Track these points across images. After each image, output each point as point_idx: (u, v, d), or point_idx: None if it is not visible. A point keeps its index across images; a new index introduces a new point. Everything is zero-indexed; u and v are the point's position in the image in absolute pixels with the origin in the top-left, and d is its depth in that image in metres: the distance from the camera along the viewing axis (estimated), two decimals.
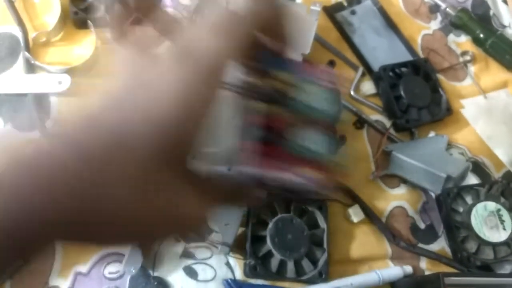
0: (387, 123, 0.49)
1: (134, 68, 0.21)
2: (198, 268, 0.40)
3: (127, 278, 0.39)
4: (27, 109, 0.42)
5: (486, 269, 0.41)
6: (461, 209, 0.43)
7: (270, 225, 0.40)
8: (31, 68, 0.44)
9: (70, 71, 0.44)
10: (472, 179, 0.45)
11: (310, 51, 0.44)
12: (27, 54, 0.43)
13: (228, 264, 0.40)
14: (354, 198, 0.44)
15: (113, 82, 0.20)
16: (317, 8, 0.46)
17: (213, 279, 0.39)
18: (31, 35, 0.45)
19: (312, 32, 0.45)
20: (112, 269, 0.39)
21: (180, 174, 0.21)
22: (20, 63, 0.44)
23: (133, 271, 0.38)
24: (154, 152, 0.19)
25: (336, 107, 0.26)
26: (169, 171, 0.20)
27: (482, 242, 0.41)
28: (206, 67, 0.20)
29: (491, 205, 0.41)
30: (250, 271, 0.39)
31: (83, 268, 0.39)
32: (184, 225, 0.22)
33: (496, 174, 0.47)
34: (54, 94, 0.43)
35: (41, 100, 0.43)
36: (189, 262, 0.40)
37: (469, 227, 0.41)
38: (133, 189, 0.19)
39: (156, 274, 0.39)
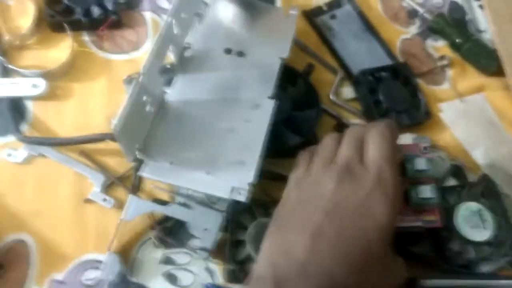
0: None
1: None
2: (177, 273, 0.39)
3: (106, 285, 0.38)
4: (2, 113, 0.42)
5: (469, 268, 0.42)
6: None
7: (249, 229, 0.40)
8: (5, 71, 0.43)
9: (46, 74, 0.43)
10: (451, 182, 0.46)
11: (289, 55, 0.44)
12: (0, 57, 0.42)
13: (208, 269, 0.40)
14: None
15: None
16: (295, 12, 0.46)
17: (192, 284, 0.39)
18: (5, 38, 0.44)
19: (291, 36, 0.45)
20: (90, 275, 0.38)
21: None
22: None
23: (112, 277, 0.38)
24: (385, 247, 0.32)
25: (431, 166, 0.41)
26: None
27: (465, 242, 0.41)
28: (396, 194, 0.33)
29: (473, 205, 0.42)
30: (230, 276, 0.38)
31: (59, 275, 0.38)
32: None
33: (474, 177, 0.47)
34: (29, 98, 0.43)
35: (16, 104, 0.42)
36: (168, 267, 0.40)
37: (452, 226, 0.42)
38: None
39: (135, 280, 0.39)
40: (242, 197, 0.35)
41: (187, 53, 0.42)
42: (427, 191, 0.39)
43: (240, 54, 0.43)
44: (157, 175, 0.36)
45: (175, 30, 0.40)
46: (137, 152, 0.36)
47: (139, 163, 0.38)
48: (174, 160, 0.37)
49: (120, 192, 0.41)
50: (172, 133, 0.38)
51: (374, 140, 0.35)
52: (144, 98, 0.36)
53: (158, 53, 0.37)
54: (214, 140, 0.39)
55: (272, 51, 0.44)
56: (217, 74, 0.42)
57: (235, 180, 0.36)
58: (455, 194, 0.43)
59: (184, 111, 0.39)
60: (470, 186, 0.43)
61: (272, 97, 0.41)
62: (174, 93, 0.40)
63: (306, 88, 0.46)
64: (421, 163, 0.40)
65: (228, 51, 0.43)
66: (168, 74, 0.41)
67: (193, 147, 0.38)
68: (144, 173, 0.36)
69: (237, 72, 0.42)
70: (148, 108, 0.37)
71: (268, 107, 0.40)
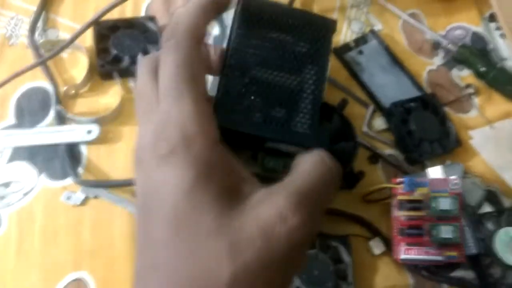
0: (400, 156, 0.51)
1: None
2: None
3: None
4: (59, 158, 0.45)
5: None
6: (483, 236, 0.44)
7: None
8: (62, 119, 0.46)
9: (99, 120, 0.46)
10: (486, 207, 0.47)
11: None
12: (58, 107, 0.46)
13: None
14: (374, 231, 0.46)
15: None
16: None
17: None
18: (62, 88, 0.47)
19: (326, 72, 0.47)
20: None
21: None
22: (51, 115, 0.47)
23: None
24: None
25: (457, 206, 0.42)
26: None
27: (506, 267, 0.42)
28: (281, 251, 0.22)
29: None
30: None
31: None
32: None
33: (509, 201, 0.48)
34: (84, 143, 0.46)
35: (72, 149, 0.45)
36: None
37: (493, 253, 0.43)
38: None
39: None
40: None
41: None
42: (448, 232, 0.41)
43: None
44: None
45: None
46: None
47: None
48: None
49: None
50: None
51: None
52: None
53: None
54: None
55: None
56: None
57: None
58: (493, 220, 0.45)
59: None
60: (509, 211, 0.45)
61: None
62: None
63: (342, 123, 0.48)
64: (445, 203, 0.42)
65: None
66: None
67: None
68: None
69: None
70: None
71: None
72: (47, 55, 0.48)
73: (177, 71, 0.24)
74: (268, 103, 0.26)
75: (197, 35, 0.25)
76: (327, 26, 0.30)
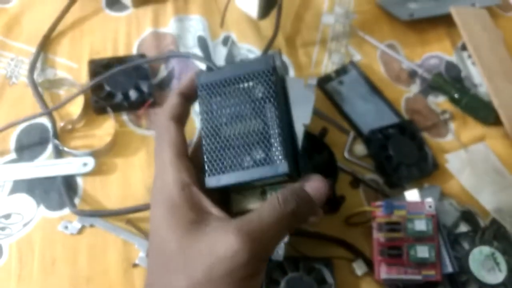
0: (380, 180, 0.54)
1: None
2: None
3: None
4: (57, 190, 0.47)
5: None
6: (459, 255, 0.47)
7: (282, 284, 0.44)
8: (59, 153, 0.49)
9: (94, 153, 0.49)
10: (462, 227, 0.50)
11: (311, 122, 0.49)
12: (56, 141, 0.49)
13: None
14: (357, 253, 0.48)
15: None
16: (314, 82, 0.52)
17: None
18: (59, 124, 0.50)
19: (311, 103, 0.50)
20: None
21: None
22: (49, 149, 0.49)
23: None
24: None
25: (432, 227, 0.45)
26: None
27: (481, 285, 0.45)
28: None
29: (486, 249, 0.45)
30: None
31: None
32: None
33: (484, 222, 0.51)
34: (80, 174, 0.48)
35: (69, 180, 0.48)
36: None
37: (468, 271, 0.45)
38: None
39: None
40: (279, 256, 0.40)
41: None
42: (424, 252, 0.44)
43: None
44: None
45: None
46: None
47: None
48: None
49: None
50: None
51: None
52: None
53: None
54: (248, 203, 0.43)
55: (296, 119, 0.49)
56: None
57: None
58: (468, 240, 0.47)
59: None
60: (482, 231, 0.47)
61: None
62: None
63: (329, 158, 0.51)
64: (420, 224, 0.45)
65: None
66: None
67: None
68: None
69: None
70: None
71: None
72: (45, 93, 0.52)
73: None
74: (244, 151, 0.30)
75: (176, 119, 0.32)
76: (266, 63, 0.31)
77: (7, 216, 0.46)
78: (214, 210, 0.29)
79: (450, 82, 0.61)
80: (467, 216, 0.51)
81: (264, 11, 0.51)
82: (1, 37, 0.57)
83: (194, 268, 0.26)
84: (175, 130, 0.31)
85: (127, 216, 0.46)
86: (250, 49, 0.61)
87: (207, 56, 0.59)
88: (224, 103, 0.31)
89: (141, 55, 0.56)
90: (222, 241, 0.26)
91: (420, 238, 0.45)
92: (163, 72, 0.57)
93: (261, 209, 0.28)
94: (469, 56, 0.65)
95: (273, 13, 0.58)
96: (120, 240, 0.46)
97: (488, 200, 0.52)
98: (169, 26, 0.60)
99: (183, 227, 0.27)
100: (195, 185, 0.29)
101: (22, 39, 0.57)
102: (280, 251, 0.40)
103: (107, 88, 0.53)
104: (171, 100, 0.33)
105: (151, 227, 0.29)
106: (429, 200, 0.47)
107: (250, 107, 0.30)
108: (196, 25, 0.61)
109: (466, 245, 0.47)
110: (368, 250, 0.48)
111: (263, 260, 0.27)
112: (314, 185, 0.30)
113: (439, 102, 0.61)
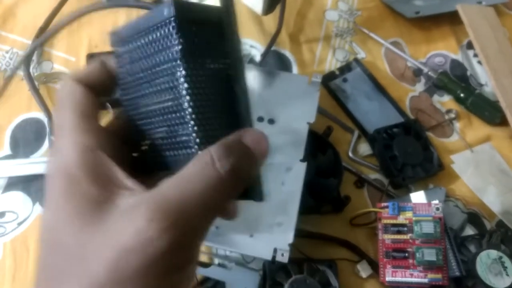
0: (385, 180, 0.53)
1: None
2: None
3: None
4: None
5: None
6: (466, 258, 0.46)
7: (286, 286, 0.43)
8: None
9: None
10: (468, 230, 0.49)
11: (315, 120, 0.48)
12: (52, 137, 0.47)
13: None
14: (361, 255, 0.47)
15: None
16: (318, 79, 0.51)
17: None
18: None
19: (316, 102, 0.50)
20: None
21: None
22: (45, 145, 0.48)
23: None
24: None
25: (439, 229, 0.44)
26: None
27: None
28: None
29: (493, 253, 0.45)
30: None
31: None
32: None
33: (490, 223, 0.50)
34: None
35: None
36: None
37: (475, 275, 0.44)
38: None
39: None
40: (284, 259, 0.38)
41: None
42: (431, 255, 0.43)
43: (271, 121, 0.48)
44: (207, 240, 0.39)
45: None
46: None
47: None
48: (219, 225, 0.40)
49: None
50: None
51: None
52: None
53: None
54: (253, 203, 0.42)
55: (300, 117, 0.48)
56: None
57: (276, 242, 0.40)
58: (475, 243, 0.46)
59: None
60: (490, 234, 0.46)
61: (303, 160, 0.45)
62: None
63: (335, 158, 0.50)
64: (428, 227, 0.44)
65: (260, 119, 0.48)
66: None
67: None
68: None
69: (269, 139, 0.46)
70: None
71: (300, 170, 0.44)
72: (41, 86, 0.50)
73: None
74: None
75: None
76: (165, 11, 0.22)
77: (1, 215, 0.44)
78: (128, 182, 0.21)
79: (456, 81, 0.60)
80: (474, 218, 0.50)
81: (269, 6, 0.50)
82: None
83: (95, 268, 0.19)
84: (81, 91, 0.23)
85: None
86: (253, 45, 0.59)
87: None
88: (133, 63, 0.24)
89: None
90: (131, 226, 0.19)
91: (427, 241, 0.44)
92: None
93: (186, 172, 0.20)
94: (475, 55, 0.64)
95: (277, 9, 0.57)
96: None
97: (494, 201, 0.51)
98: None
99: (83, 214, 0.20)
100: (102, 150, 0.21)
101: (17, 31, 0.55)
102: (285, 254, 0.39)
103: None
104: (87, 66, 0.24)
105: (42, 216, 0.21)
106: (436, 202, 0.46)
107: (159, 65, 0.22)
108: None
109: (472, 249, 0.46)
110: (372, 251, 0.47)
111: (192, 247, 0.20)
112: (253, 136, 0.22)
113: (444, 101, 0.60)
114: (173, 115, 0.22)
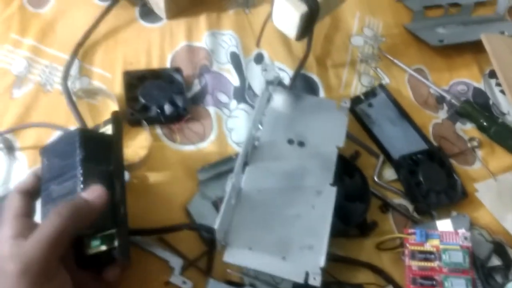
0: (409, 206, 0.54)
1: None
2: None
3: None
4: None
5: None
6: None
7: None
8: None
9: (128, 167, 0.49)
10: (494, 260, 0.49)
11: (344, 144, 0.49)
12: None
13: None
14: (387, 279, 0.48)
15: None
16: (347, 104, 0.52)
17: None
18: None
19: (345, 126, 0.51)
20: None
21: None
22: None
23: None
24: None
25: (468, 259, 0.45)
26: None
27: None
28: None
29: None
30: None
31: None
32: None
33: None
34: None
35: None
36: None
37: None
38: None
39: None
40: (317, 282, 0.39)
41: (256, 144, 0.48)
42: (461, 285, 0.44)
43: (301, 144, 0.49)
44: (240, 261, 0.40)
45: (253, 130, 0.46)
46: (222, 240, 0.40)
47: (211, 248, 0.43)
48: (252, 246, 0.41)
49: (191, 274, 0.45)
50: (247, 220, 0.43)
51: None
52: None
53: (244, 153, 0.44)
54: (284, 225, 0.43)
55: (329, 141, 0.49)
56: (282, 163, 0.47)
57: (307, 265, 0.40)
58: (501, 273, 0.47)
59: (256, 199, 0.44)
60: None
61: (333, 184, 0.46)
62: (246, 182, 0.45)
63: (362, 183, 0.51)
64: (457, 256, 0.45)
65: (290, 141, 0.49)
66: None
67: (267, 233, 0.42)
68: (229, 259, 0.40)
69: (299, 161, 0.47)
70: (232, 201, 0.42)
71: (330, 194, 0.45)
72: (79, 101, 0.51)
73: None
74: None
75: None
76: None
77: None
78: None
79: (479, 110, 0.61)
80: (498, 248, 0.50)
81: (302, 33, 0.52)
82: (36, 43, 0.56)
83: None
84: (19, 198, 0.37)
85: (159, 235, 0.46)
86: (281, 67, 0.61)
87: (240, 73, 0.59)
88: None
89: (176, 69, 0.56)
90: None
91: (456, 270, 0.45)
92: (196, 87, 0.57)
93: (40, 226, 0.35)
94: (497, 84, 0.65)
95: None
96: (153, 257, 0.45)
97: None
98: (203, 41, 0.60)
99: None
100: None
101: (56, 46, 0.57)
102: (317, 278, 0.40)
103: (142, 100, 0.52)
104: (25, 178, 0.40)
105: None
106: (463, 231, 0.47)
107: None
108: (228, 41, 0.61)
109: (499, 279, 0.47)
110: (397, 276, 0.48)
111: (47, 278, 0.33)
112: (93, 192, 0.37)
113: (466, 129, 0.62)
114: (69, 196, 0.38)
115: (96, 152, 0.39)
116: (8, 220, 0.35)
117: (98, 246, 0.38)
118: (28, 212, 0.37)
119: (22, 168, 0.48)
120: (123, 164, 0.42)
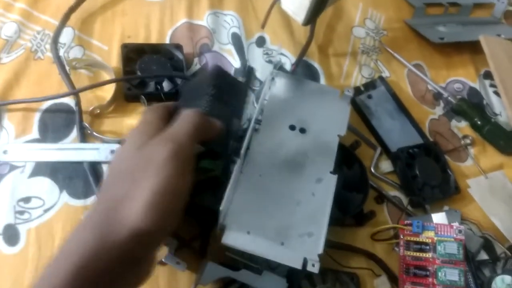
0: (404, 199, 0.54)
1: None
2: None
3: None
4: (81, 177, 0.45)
5: None
6: (480, 282, 0.47)
7: None
8: (84, 137, 0.47)
9: (122, 141, 0.47)
10: (483, 254, 0.50)
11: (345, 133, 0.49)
12: (85, 123, 0.46)
13: None
14: (383, 267, 0.48)
15: None
16: (350, 93, 0.51)
17: None
18: (88, 107, 0.48)
19: (347, 115, 0.50)
20: None
21: None
22: (74, 132, 0.47)
23: None
24: None
25: (462, 251, 0.46)
26: None
27: None
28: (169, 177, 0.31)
29: (508, 278, 0.46)
30: None
31: None
32: None
33: (503, 247, 0.52)
34: (107, 163, 0.46)
35: (94, 168, 0.46)
36: None
37: None
38: None
39: None
40: (315, 269, 0.39)
41: (258, 127, 0.47)
42: (454, 275, 0.44)
43: (303, 130, 0.48)
44: (238, 244, 0.39)
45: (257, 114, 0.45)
46: (220, 221, 0.39)
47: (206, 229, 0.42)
48: (251, 230, 0.40)
49: (185, 255, 0.43)
50: (247, 205, 0.42)
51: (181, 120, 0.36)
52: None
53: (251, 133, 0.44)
54: (284, 211, 0.42)
55: (331, 129, 0.48)
56: (283, 149, 0.46)
57: (305, 251, 0.40)
58: (489, 267, 0.48)
59: (256, 183, 0.43)
60: (505, 260, 0.48)
61: (333, 172, 0.45)
62: (247, 167, 0.44)
63: (361, 173, 0.50)
64: (451, 248, 0.45)
65: (292, 127, 0.48)
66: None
67: (267, 218, 0.41)
68: (228, 241, 0.39)
69: (300, 148, 0.47)
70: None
71: (331, 182, 0.44)
72: (72, 72, 0.49)
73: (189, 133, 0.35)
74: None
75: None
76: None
77: (27, 200, 0.43)
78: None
79: (474, 108, 0.62)
80: (486, 243, 0.51)
81: (311, 17, 0.51)
82: (27, 7, 0.53)
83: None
84: (162, 107, 0.38)
85: None
86: (283, 52, 0.60)
87: (241, 54, 0.57)
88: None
89: (176, 45, 0.54)
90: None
91: (449, 261, 0.45)
92: (196, 65, 0.55)
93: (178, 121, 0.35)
94: (491, 85, 0.66)
95: None
96: None
97: (506, 227, 0.53)
98: (204, 19, 0.59)
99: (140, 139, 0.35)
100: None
101: (49, 12, 0.54)
102: (316, 264, 0.39)
103: (141, 76, 0.50)
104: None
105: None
106: (457, 224, 0.47)
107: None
108: (230, 22, 0.60)
109: (487, 272, 0.48)
110: (390, 267, 0.48)
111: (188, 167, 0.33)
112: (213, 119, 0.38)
113: (461, 126, 0.62)
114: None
115: (226, 93, 0.42)
116: (149, 122, 0.35)
117: (205, 165, 0.38)
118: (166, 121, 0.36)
119: (9, 139, 0.46)
120: (243, 110, 0.45)
